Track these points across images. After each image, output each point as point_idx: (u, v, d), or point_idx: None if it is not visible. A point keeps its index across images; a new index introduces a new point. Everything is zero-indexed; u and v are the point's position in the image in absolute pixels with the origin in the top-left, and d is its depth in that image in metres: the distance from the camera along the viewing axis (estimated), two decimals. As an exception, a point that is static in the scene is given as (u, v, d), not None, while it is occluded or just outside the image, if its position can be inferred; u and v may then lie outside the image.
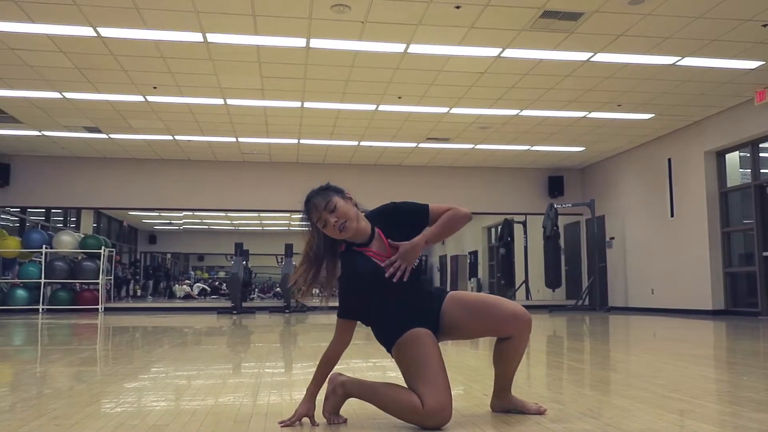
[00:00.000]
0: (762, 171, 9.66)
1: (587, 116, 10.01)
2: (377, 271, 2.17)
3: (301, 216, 2.25)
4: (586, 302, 12.61)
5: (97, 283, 12.51)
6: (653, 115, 9.96)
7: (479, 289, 18.79)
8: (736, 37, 6.87)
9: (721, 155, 10.29)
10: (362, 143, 11.73)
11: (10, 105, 9.40)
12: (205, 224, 23.98)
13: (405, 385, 2.15)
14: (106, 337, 6.51)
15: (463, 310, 2.22)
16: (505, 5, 6.12)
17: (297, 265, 2.26)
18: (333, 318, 2.22)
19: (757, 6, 6.16)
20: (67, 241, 12.56)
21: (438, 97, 8.98)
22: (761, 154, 9.67)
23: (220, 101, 9.16)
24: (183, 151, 12.42)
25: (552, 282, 13.28)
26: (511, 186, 13.96)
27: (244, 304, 13.49)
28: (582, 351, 5.04)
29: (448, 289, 2.38)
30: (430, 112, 9.71)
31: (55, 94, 8.85)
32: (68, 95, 8.90)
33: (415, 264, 2.20)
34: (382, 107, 9.48)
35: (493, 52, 7.33)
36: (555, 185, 13.88)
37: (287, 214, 16.76)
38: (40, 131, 10.87)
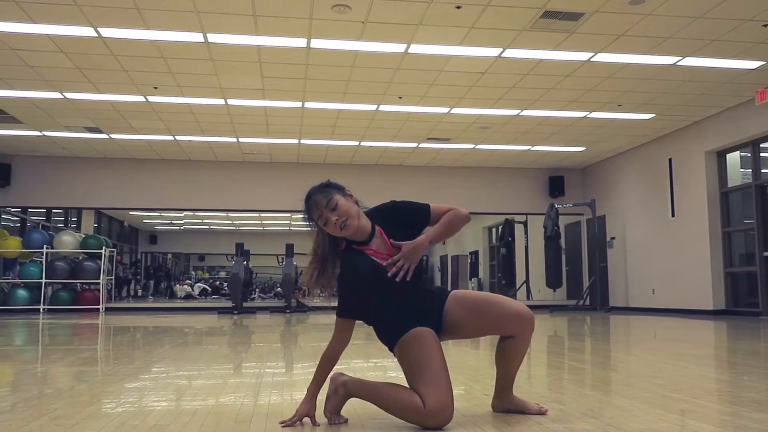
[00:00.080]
0: (763, 171, 9.65)
1: (588, 116, 10.01)
2: (377, 269, 2.17)
3: (302, 215, 2.25)
4: (587, 302, 12.60)
5: (98, 283, 12.52)
6: (654, 115, 9.96)
7: (480, 289, 18.79)
8: (736, 37, 6.87)
9: (721, 155, 10.29)
10: (363, 143, 11.73)
11: (11, 105, 9.40)
12: (205, 224, 23.99)
13: (406, 385, 2.15)
14: (107, 337, 6.51)
15: (466, 309, 2.22)
16: (505, 5, 6.12)
17: (306, 266, 2.26)
18: (334, 318, 2.22)
19: (758, 6, 6.16)
20: (67, 241, 12.57)
21: (438, 97, 8.98)
22: (762, 154, 9.67)
23: (221, 101, 9.16)
24: (184, 152, 12.42)
25: (553, 282, 13.28)
26: (511, 186, 13.95)
27: (245, 304, 13.50)
28: (583, 351, 5.04)
29: (449, 289, 2.37)
30: (430, 112, 9.71)
31: (56, 95, 8.86)
32: (69, 95, 8.90)
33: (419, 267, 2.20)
34: (382, 107, 9.48)
35: (493, 52, 7.33)
36: (556, 185, 13.88)
37: (288, 214, 16.78)
38: (40, 131, 10.88)
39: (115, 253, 14.33)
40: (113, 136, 11.15)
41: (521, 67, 7.84)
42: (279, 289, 18.11)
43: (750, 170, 9.81)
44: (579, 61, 7.61)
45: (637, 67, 7.82)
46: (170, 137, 11.28)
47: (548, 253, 13.27)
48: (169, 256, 27.65)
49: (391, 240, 2.22)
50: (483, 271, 20.27)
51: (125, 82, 8.33)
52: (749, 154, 9.82)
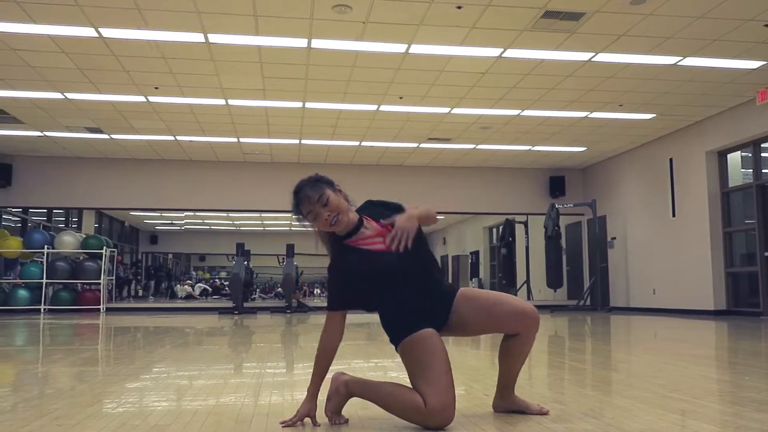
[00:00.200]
0: (764, 171, 9.65)
1: (588, 116, 10.01)
2: (380, 259, 2.16)
3: (291, 208, 2.25)
4: (588, 302, 12.60)
5: (99, 284, 12.53)
6: (655, 115, 9.96)
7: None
8: (737, 37, 6.87)
9: (722, 155, 10.28)
10: (363, 143, 11.73)
11: (12, 105, 9.41)
12: (206, 224, 24.00)
13: (408, 385, 2.15)
14: (107, 338, 6.52)
15: (473, 306, 2.22)
16: (506, 5, 6.12)
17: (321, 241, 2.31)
18: (334, 318, 2.22)
19: (759, 6, 6.16)
20: (68, 242, 12.58)
21: (439, 98, 8.98)
22: (763, 154, 9.66)
23: (222, 101, 9.17)
24: (184, 152, 12.43)
25: (553, 282, 13.28)
26: (512, 186, 13.95)
27: (246, 305, 13.50)
28: (583, 351, 5.04)
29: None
30: (431, 112, 9.71)
31: (57, 95, 8.87)
32: (70, 96, 8.91)
33: (423, 249, 2.22)
34: (383, 107, 9.48)
35: (494, 52, 7.33)
36: (556, 185, 13.87)
37: (289, 215, 16.72)
38: (41, 132, 10.88)
39: (115, 254, 14.35)
40: (114, 136, 11.16)
41: (522, 68, 7.84)
42: (280, 289, 18.12)
43: (751, 170, 9.81)
44: (580, 61, 7.61)
45: (638, 67, 7.81)
46: (171, 137, 11.29)
47: (549, 253, 13.27)
48: (170, 256, 27.68)
49: (380, 221, 2.22)
50: (483, 271, 20.28)
51: (126, 83, 8.33)
52: (750, 154, 9.82)
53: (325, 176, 2.26)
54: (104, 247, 12.63)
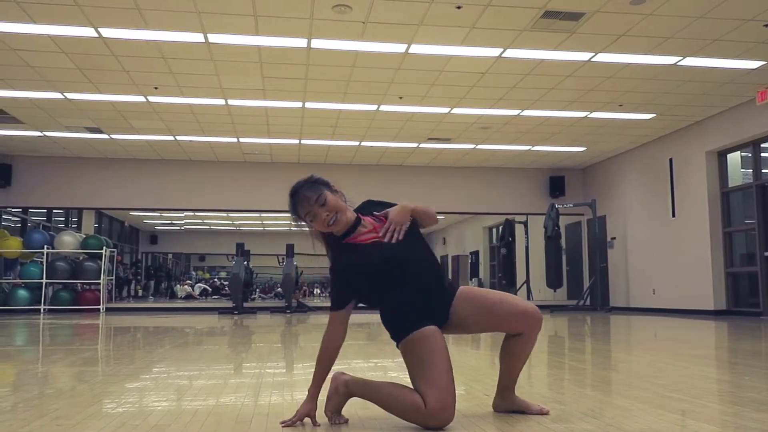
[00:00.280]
0: (763, 171, 9.65)
1: (588, 116, 10.01)
2: (363, 254, 2.17)
3: (288, 210, 2.26)
4: (588, 302, 12.60)
5: (99, 284, 12.53)
6: (654, 115, 9.96)
7: (480, 289, 18.78)
8: (737, 37, 6.87)
9: (722, 155, 10.28)
10: (363, 143, 11.73)
11: (12, 105, 9.41)
12: (206, 224, 24.00)
13: (408, 385, 2.15)
14: (107, 338, 6.51)
15: (474, 305, 2.22)
16: (506, 5, 6.12)
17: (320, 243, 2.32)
18: (334, 318, 2.22)
19: (759, 6, 6.16)
20: (68, 242, 12.58)
21: (439, 98, 8.98)
22: (763, 154, 9.66)
23: (222, 101, 9.17)
24: (184, 152, 12.42)
25: (553, 282, 13.28)
26: (512, 186, 13.95)
27: (246, 305, 13.50)
28: (583, 351, 5.04)
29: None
30: (431, 112, 9.71)
31: (57, 95, 8.86)
32: (70, 96, 8.91)
33: (420, 243, 2.23)
34: (383, 107, 9.48)
35: (494, 52, 7.33)
36: (556, 185, 13.88)
37: (288, 215, 16.77)
38: (41, 132, 10.88)
39: (115, 254, 14.35)
40: (114, 136, 11.16)
41: (522, 67, 7.84)
42: (279, 289, 18.12)
43: (751, 170, 9.81)
44: (580, 61, 7.61)
45: (638, 67, 7.81)
46: (171, 137, 11.29)
47: (549, 253, 13.27)
48: (170, 256, 27.68)
49: (374, 214, 2.24)
50: (483, 271, 20.28)
51: (126, 83, 8.33)
52: (750, 154, 9.82)
53: (321, 177, 2.26)
54: (104, 247, 12.62)
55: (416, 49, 7.20)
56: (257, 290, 21.20)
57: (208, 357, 4.45)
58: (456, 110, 9.61)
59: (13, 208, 13.36)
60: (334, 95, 8.89)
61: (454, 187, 13.63)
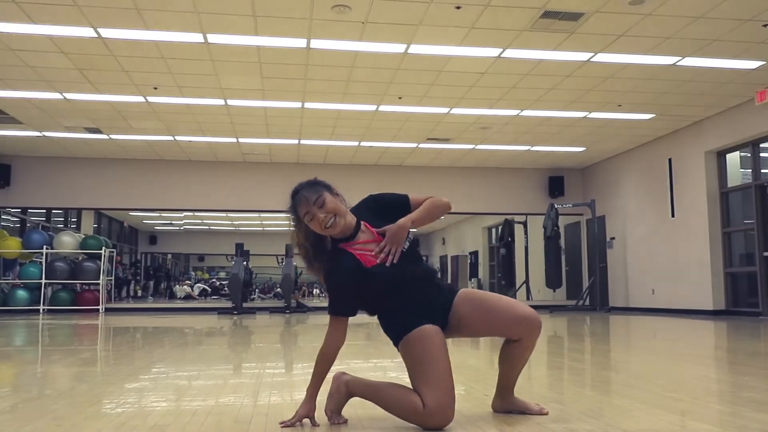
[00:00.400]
0: (762, 171, 9.66)
1: (588, 116, 10.01)
2: (362, 271, 2.15)
3: (287, 210, 2.25)
4: (587, 302, 12.61)
5: (98, 284, 12.52)
6: (654, 115, 9.96)
7: (479, 289, 18.78)
8: (736, 37, 6.87)
9: (721, 155, 10.29)
10: (363, 144, 11.73)
11: (11, 106, 9.40)
12: (205, 225, 23.98)
13: (408, 385, 2.15)
14: (106, 338, 6.51)
15: (474, 308, 2.21)
16: (505, 6, 6.13)
17: (301, 257, 2.29)
18: (334, 318, 2.22)
19: (758, 6, 6.16)
20: (67, 242, 12.57)
21: (438, 98, 8.99)
22: (762, 154, 9.67)
23: (221, 102, 9.16)
24: (183, 152, 12.42)
25: (553, 282, 13.29)
26: (511, 186, 13.95)
27: (245, 305, 13.49)
28: (583, 351, 5.04)
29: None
30: (430, 112, 9.71)
31: (56, 95, 8.86)
32: (69, 96, 8.90)
33: (414, 255, 2.22)
34: (382, 108, 9.48)
35: (493, 52, 7.33)
36: (555, 185, 13.88)
37: (288, 215, 16.77)
38: (40, 132, 10.88)
39: (114, 254, 14.33)
40: (113, 136, 11.15)
41: (521, 68, 7.84)
42: (279, 289, 18.11)
43: (750, 170, 9.82)
44: (579, 61, 7.61)
45: (637, 67, 7.82)
46: (170, 137, 11.28)
47: (548, 253, 13.28)
48: (169, 256, 27.65)
49: (375, 229, 2.22)
50: (483, 271, 20.28)
51: (125, 83, 8.33)
52: (749, 154, 9.83)
53: (323, 180, 2.26)
54: (103, 248, 12.61)
55: (415, 49, 7.20)
56: (256, 290, 21.17)
57: (207, 357, 4.45)
58: (455, 110, 9.61)
59: (12, 208, 13.36)
60: (334, 95, 8.89)
61: (453, 187, 13.61)
